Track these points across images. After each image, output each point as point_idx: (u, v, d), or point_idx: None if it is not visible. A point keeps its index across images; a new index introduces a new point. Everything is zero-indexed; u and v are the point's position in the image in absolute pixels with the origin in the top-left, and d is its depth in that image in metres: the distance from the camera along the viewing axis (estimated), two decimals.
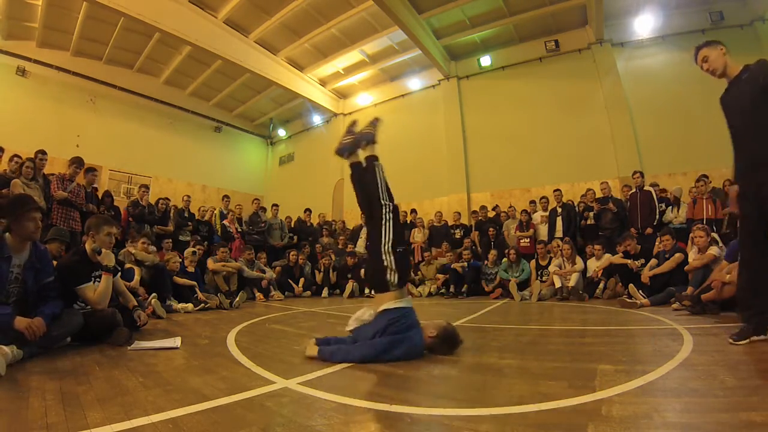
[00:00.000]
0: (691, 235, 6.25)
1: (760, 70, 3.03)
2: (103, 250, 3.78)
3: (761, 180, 2.98)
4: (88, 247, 3.80)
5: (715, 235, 6.18)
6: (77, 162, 7.28)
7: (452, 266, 9.25)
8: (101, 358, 3.00)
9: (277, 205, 11.86)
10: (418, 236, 11.14)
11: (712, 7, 10.83)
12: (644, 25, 11.53)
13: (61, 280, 3.45)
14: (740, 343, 2.93)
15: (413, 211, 12.08)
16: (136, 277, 5.84)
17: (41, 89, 12.12)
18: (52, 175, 7.27)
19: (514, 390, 2.14)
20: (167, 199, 9.62)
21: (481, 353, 3.14)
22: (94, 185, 8.26)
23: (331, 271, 10.07)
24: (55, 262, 3.63)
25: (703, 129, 9.21)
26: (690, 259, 6.00)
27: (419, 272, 10.02)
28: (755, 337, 2.95)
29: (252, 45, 13.18)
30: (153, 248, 7.66)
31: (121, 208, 9.39)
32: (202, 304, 6.57)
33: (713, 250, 5.63)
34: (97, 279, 3.75)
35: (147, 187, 9.50)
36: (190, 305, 6.37)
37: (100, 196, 8.70)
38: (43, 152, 7.20)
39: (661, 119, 10.72)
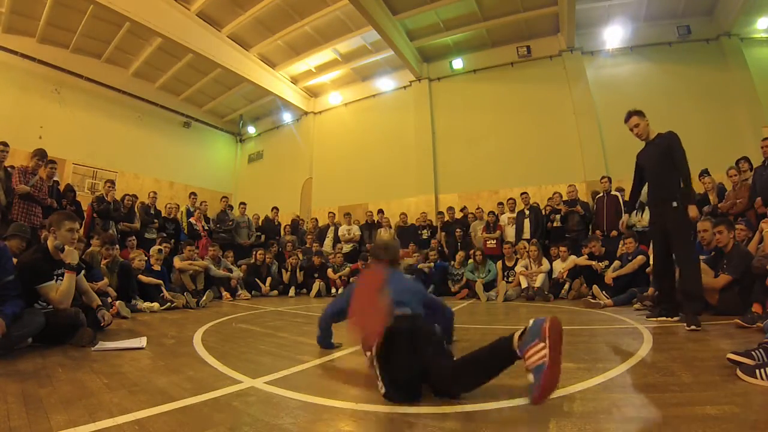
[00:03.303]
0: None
1: (669, 138, 4.38)
2: (67, 247, 3.67)
3: (661, 211, 4.42)
4: (50, 243, 3.69)
5: None
6: (40, 154, 7.04)
7: (419, 267, 9.28)
8: (64, 359, 2.94)
9: (244, 204, 11.72)
10: (384, 236, 11.17)
11: (680, 21, 11.24)
12: (614, 35, 11.86)
13: (22, 279, 3.33)
14: (649, 318, 4.54)
15: (380, 211, 12.11)
16: (105, 280, 5.73)
17: (4, 77, 11.64)
18: (13, 167, 7.01)
19: (479, 388, 2.20)
20: (134, 195, 9.39)
21: None
22: (55, 179, 7.99)
23: (298, 270, 10.00)
24: (15, 260, 3.52)
25: None
26: (651, 262, 6.22)
27: None
28: (664, 318, 4.39)
29: (224, 40, 13.00)
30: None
31: (84, 203, 9.11)
32: (168, 304, 6.46)
33: None
34: (60, 277, 3.64)
35: (113, 182, 9.22)
36: (156, 304, 6.25)
37: (61, 190, 8.45)
38: (5, 144, 6.85)
39: (627, 126, 10.97)
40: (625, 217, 5.48)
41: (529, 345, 1.75)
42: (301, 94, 16.66)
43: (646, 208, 8.61)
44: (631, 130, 4.70)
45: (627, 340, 3.49)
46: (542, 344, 1.70)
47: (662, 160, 4.38)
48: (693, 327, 3.70)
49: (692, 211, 4.17)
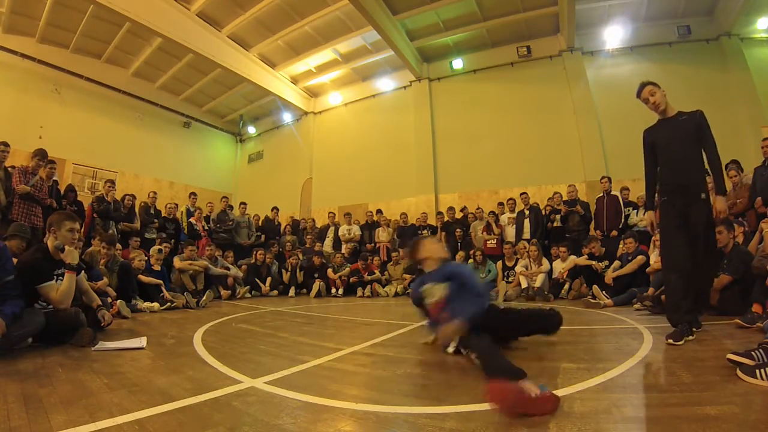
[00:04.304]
0: (653, 238, 6.46)
1: (699, 117, 3.73)
2: (67, 247, 3.67)
3: (682, 205, 3.64)
4: (50, 244, 3.69)
5: None
6: (40, 154, 7.04)
7: (419, 267, 9.28)
8: (64, 359, 2.94)
9: (244, 204, 11.73)
10: (382, 235, 11.24)
11: (680, 21, 11.26)
12: (614, 35, 11.86)
13: (22, 279, 3.32)
14: (678, 343, 3.15)
15: (379, 211, 12.14)
16: (105, 279, 5.72)
17: (4, 77, 11.62)
18: (13, 167, 7.00)
19: (478, 388, 2.18)
20: (133, 195, 9.39)
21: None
22: (54, 178, 7.99)
23: (298, 270, 10.01)
24: (15, 260, 3.52)
25: None
26: (651, 261, 6.22)
27: (386, 272, 10.07)
28: (690, 337, 3.28)
29: (224, 40, 13.00)
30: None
31: (84, 203, 9.11)
32: (168, 303, 6.48)
33: None
34: (60, 277, 3.64)
35: (113, 182, 9.21)
36: (156, 304, 6.26)
37: (62, 190, 8.45)
38: (6, 144, 6.84)
39: (627, 126, 10.83)
40: (649, 214, 4.25)
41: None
42: (301, 94, 16.66)
43: (643, 207, 8.74)
44: (646, 101, 4.05)
45: (627, 340, 3.49)
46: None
47: (688, 142, 3.75)
48: (694, 328, 3.50)
49: (719, 202, 3.63)
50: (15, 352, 3.02)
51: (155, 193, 10.17)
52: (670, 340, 3.18)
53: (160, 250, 7.51)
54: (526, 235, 9.36)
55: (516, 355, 3.08)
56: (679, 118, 3.84)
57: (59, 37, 12.50)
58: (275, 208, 12.78)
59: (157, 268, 7.20)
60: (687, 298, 3.48)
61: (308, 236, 11.79)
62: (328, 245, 11.60)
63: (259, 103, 17.28)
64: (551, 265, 8.24)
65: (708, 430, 1.52)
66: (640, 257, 6.44)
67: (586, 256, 7.55)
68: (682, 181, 3.73)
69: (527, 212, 9.64)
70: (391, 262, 10.22)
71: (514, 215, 9.84)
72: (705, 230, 3.61)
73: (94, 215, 8.53)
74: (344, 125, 16.24)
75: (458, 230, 10.30)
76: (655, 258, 6.12)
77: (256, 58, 14.21)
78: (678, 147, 3.78)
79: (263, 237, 11.46)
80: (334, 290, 9.53)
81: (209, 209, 10.98)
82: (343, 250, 10.89)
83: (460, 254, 9.26)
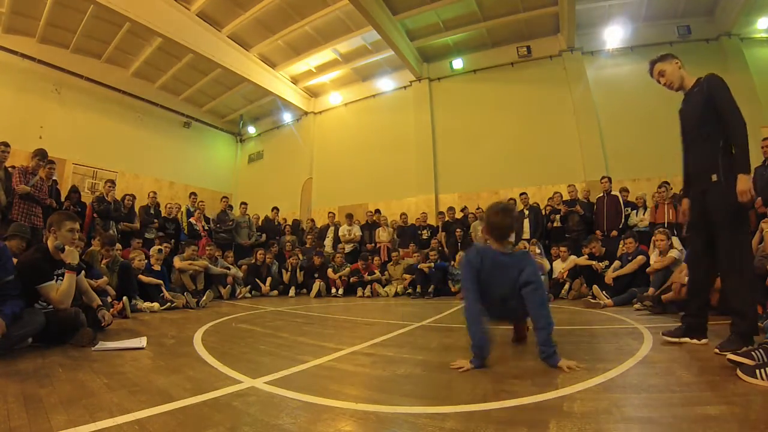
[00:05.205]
0: (653, 238, 6.46)
1: (707, 82, 3.12)
2: (67, 247, 3.66)
3: (704, 187, 3.10)
4: (50, 243, 3.69)
5: (675, 238, 6.39)
6: (41, 154, 7.03)
7: (419, 267, 9.29)
8: (64, 359, 2.94)
9: (245, 204, 11.75)
10: (383, 235, 11.25)
11: (680, 21, 11.28)
12: (614, 35, 11.87)
13: (22, 279, 3.32)
14: (672, 340, 3.15)
15: (377, 211, 12.17)
16: (105, 278, 5.72)
17: (4, 77, 11.61)
18: (13, 167, 7.00)
19: (479, 388, 2.19)
20: (133, 195, 9.38)
21: (447, 353, 3.18)
22: (54, 178, 8.00)
23: (298, 270, 10.01)
24: (15, 260, 3.52)
25: (665, 137, 9.47)
26: (651, 262, 6.21)
27: (386, 272, 10.07)
28: (687, 339, 3.17)
29: (224, 40, 13.00)
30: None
31: (86, 203, 9.11)
32: (169, 303, 6.48)
33: (673, 253, 5.83)
34: (60, 277, 3.63)
35: (113, 182, 9.20)
36: (156, 304, 6.26)
37: (66, 192, 8.45)
38: (6, 144, 6.83)
39: (627, 126, 11.01)
40: (684, 201, 3.46)
41: None
42: (301, 94, 16.67)
43: (648, 208, 8.75)
44: (658, 82, 3.46)
45: (627, 340, 3.49)
46: None
47: (701, 116, 3.10)
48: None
49: (741, 182, 2.82)
50: (15, 352, 3.02)
51: (155, 193, 10.18)
52: (667, 338, 3.20)
53: (160, 250, 7.50)
54: (526, 235, 9.35)
55: (517, 355, 3.09)
56: (693, 91, 3.24)
57: (59, 37, 12.49)
58: (275, 208, 12.80)
59: (157, 268, 7.20)
60: (697, 298, 3.23)
61: (308, 236, 11.79)
62: (328, 245, 11.61)
63: (259, 103, 17.27)
64: (551, 265, 8.24)
65: (708, 430, 1.52)
66: (640, 257, 6.43)
67: (586, 256, 7.56)
68: (695, 168, 3.21)
69: (527, 212, 9.65)
70: (391, 262, 10.21)
71: None
72: (725, 220, 2.93)
73: (95, 215, 8.53)
74: (344, 125, 16.25)
75: (458, 230, 10.31)
76: (655, 258, 6.13)
77: (256, 58, 14.21)
78: (691, 126, 3.24)
79: (263, 237, 11.46)
80: (334, 290, 9.52)
81: (201, 207, 10.95)
82: (339, 248, 10.89)
83: (461, 254, 9.26)
